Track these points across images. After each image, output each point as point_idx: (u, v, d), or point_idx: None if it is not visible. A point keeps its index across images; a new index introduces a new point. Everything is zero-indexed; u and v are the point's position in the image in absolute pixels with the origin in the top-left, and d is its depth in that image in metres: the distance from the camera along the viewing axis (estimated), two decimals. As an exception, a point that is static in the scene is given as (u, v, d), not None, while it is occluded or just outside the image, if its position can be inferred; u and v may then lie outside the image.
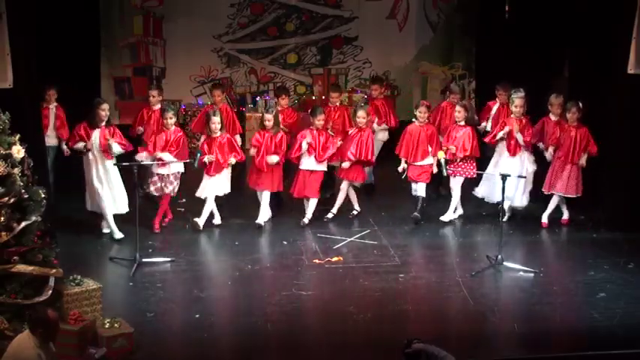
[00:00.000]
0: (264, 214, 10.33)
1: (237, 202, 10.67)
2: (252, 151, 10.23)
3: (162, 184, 9.95)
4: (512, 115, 10.43)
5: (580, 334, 7.66)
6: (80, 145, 9.63)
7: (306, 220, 10.38)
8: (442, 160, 10.11)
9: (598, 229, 10.35)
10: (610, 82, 10.16)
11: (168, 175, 9.92)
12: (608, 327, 7.66)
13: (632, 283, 8.70)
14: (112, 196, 9.61)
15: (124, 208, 9.69)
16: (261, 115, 10.95)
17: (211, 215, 10.24)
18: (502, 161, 10.39)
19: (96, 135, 9.55)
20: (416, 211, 10.50)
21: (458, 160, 10.36)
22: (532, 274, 8.90)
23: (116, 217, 9.78)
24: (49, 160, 10.48)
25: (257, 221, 10.25)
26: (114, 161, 9.55)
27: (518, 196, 10.36)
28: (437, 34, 14.88)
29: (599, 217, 10.54)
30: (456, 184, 10.53)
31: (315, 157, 10.28)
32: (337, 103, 11.52)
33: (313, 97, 14.48)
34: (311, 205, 10.42)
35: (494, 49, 13.20)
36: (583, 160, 10.16)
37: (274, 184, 10.29)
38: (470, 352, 7.18)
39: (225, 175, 10.16)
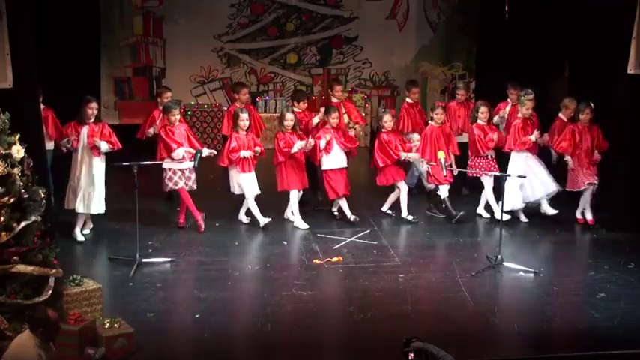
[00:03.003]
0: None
1: (237, 202, 10.66)
2: (296, 147, 10.13)
3: (187, 179, 9.98)
4: (519, 116, 10.41)
5: (580, 334, 7.65)
6: (64, 140, 9.69)
7: (353, 218, 10.40)
8: (442, 161, 10.12)
9: (598, 229, 10.35)
10: (610, 82, 10.16)
11: (184, 170, 9.96)
12: (608, 327, 7.66)
13: (632, 283, 8.69)
14: (90, 195, 9.57)
15: (100, 209, 9.67)
16: (280, 114, 10.84)
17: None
18: (531, 162, 10.29)
19: (84, 132, 9.59)
20: (453, 215, 10.50)
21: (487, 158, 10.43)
22: (532, 274, 8.90)
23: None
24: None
25: (294, 222, 10.38)
26: (102, 161, 9.63)
27: (550, 183, 10.35)
28: (437, 34, 14.91)
29: (600, 217, 10.53)
30: (487, 183, 10.52)
31: (344, 147, 10.33)
32: (342, 98, 11.48)
33: (313, 97, 14.49)
34: (344, 204, 10.47)
35: (494, 49, 13.22)
36: (596, 155, 10.27)
37: (304, 180, 10.46)
38: (470, 352, 7.18)
39: (254, 175, 10.23)
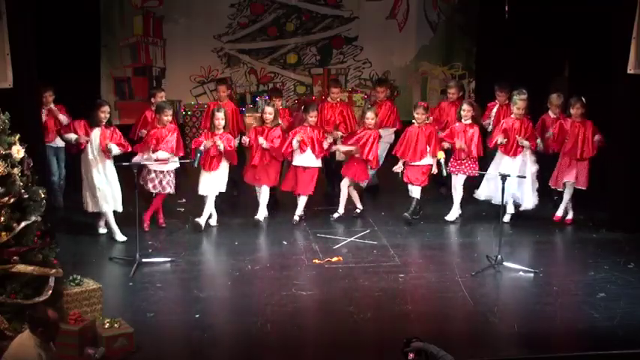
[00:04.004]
0: (263, 210, 10.38)
1: (237, 202, 10.67)
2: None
3: (159, 182, 9.95)
4: (512, 116, 10.45)
5: (580, 334, 7.66)
6: (72, 136, 9.71)
7: (296, 217, 10.45)
8: (442, 161, 10.13)
9: (598, 230, 10.35)
10: (610, 82, 10.16)
11: (164, 172, 9.94)
12: (608, 327, 7.66)
13: (632, 283, 8.69)
14: (111, 194, 9.66)
15: (119, 206, 9.75)
16: (261, 111, 10.96)
17: (209, 215, 10.26)
18: (504, 161, 10.35)
19: (96, 134, 9.61)
20: (408, 211, 10.51)
21: (463, 159, 10.40)
22: (532, 274, 8.90)
23: (116, 216, 9.82)
24: (59, 162, 10.53)
25: (256, 217, 10.32)
26: (112, 161, 9.67)
27: (527, 198, 10.36)
28: (437, 34, 14.89)
29: (600, 217, 10.53)
30: (458, 183, 10.54)
31: (313, 153, 10.34)
32: (338, 99, 11.54)
33: (313, 97, 14.49)
34: (301, 202, 10.49)
35: (494, 49, 13.21)
36: (597, 137, 10.23)
37: (271, 178, 10.38)
38: (470, 352, 7.18)
39: (223, 172, 10.18)
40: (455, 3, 14.79)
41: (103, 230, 9.92)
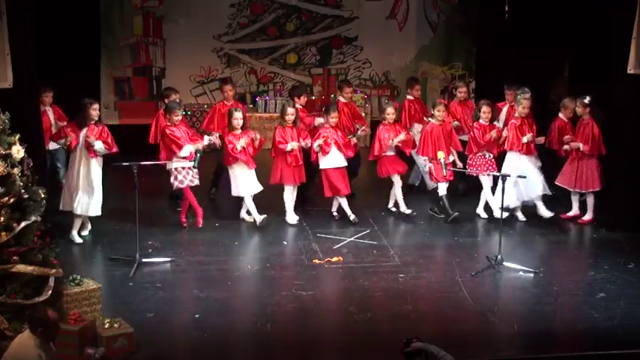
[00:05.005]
0: (290, 212, 10.50)
1: (238, 202, 10.66)
2: (290, 146, 10.20)
3: (191, 177, 9.96)
4: (516, 115, 10.44)
5: (580, 334, 7.65)
6: (62, 141, 9.68)
7: (353, 217, 10.42)
8: (442, 160, 10.13)
9: (598, 229, 10.35)
10: (610, 82, 10.16)
11: (190, 168, 9.95)
12: (608, 327, 7.66)
13: (632, 283, 8.69)
14: (87, 197, 9.52)
15: (96, 211, 9.60)
16: (281, 109, 10.94)
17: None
18: (514, 161, 10.33)
19: (83, 132, 9.57)
20: (449, 214, 10.51)
21: (486, 157, 10.47)
22: (532, 274, 8.89)
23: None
24: (60, 164, 10.53)
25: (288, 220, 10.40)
26: (99, 164, 9.60)
27: (535, 187, 10.40)
28: (437, 34, 14.92)
29: (600, 217, 10.53)
30: (485, 182, 10.54)
31: (341, 152, 10.37)
32: (350, 98, 11.58)
33: (313, 97, 14.50)
34: (345, 202, 10.50)
35: (494, 49, 13.22)
36: (575, 145, 10.26)
37: (304, 176, 10.49)
38: (470, 352, 7.18)
39: (254, 172, 10.27)
40: (455, 3, 14.82)
41: (78, 240, 9.65)
